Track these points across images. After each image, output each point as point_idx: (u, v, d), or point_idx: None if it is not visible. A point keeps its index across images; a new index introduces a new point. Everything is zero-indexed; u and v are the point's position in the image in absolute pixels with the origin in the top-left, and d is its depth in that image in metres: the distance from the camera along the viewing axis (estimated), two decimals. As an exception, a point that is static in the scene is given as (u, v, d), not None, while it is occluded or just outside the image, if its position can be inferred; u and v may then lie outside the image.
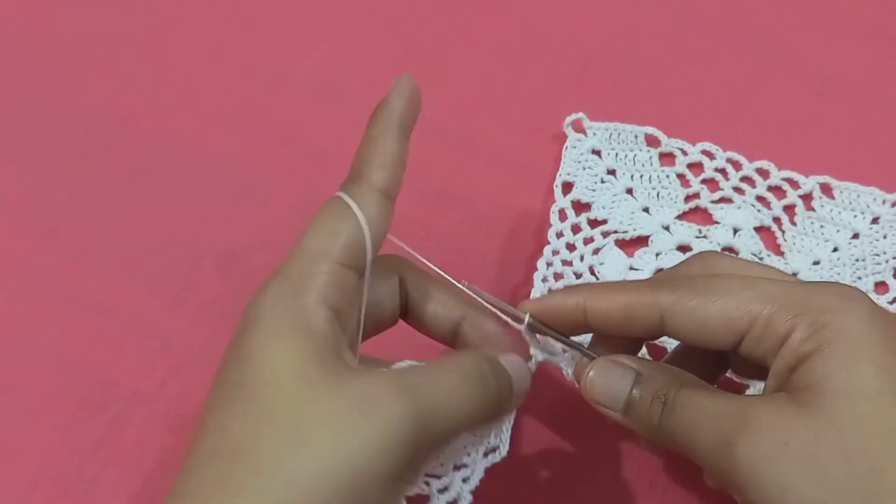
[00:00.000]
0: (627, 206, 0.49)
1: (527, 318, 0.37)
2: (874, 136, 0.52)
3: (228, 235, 0.50)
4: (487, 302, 0.38)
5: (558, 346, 0.39)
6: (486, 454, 0.38)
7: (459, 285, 0.38)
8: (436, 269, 0.39)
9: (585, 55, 0.55)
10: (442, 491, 0.37)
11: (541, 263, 0.47)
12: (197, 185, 0.52)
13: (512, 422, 0.38)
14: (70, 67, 0.55)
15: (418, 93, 0.38)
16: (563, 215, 0.49)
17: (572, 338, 0.38)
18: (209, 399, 0.34)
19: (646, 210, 0.49)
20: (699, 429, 0.34)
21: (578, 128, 0.51)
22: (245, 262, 0.49)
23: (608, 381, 0.36)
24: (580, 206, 0.50)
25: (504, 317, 0.38)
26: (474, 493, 0.37)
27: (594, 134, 0.51)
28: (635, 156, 0.51)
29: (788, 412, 0.32)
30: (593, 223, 0.49)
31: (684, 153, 0.51)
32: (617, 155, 0.51)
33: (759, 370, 0.35)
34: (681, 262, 0.39)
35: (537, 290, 0.46)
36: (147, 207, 0.51)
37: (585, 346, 0.38)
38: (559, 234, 0.48)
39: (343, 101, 0.54)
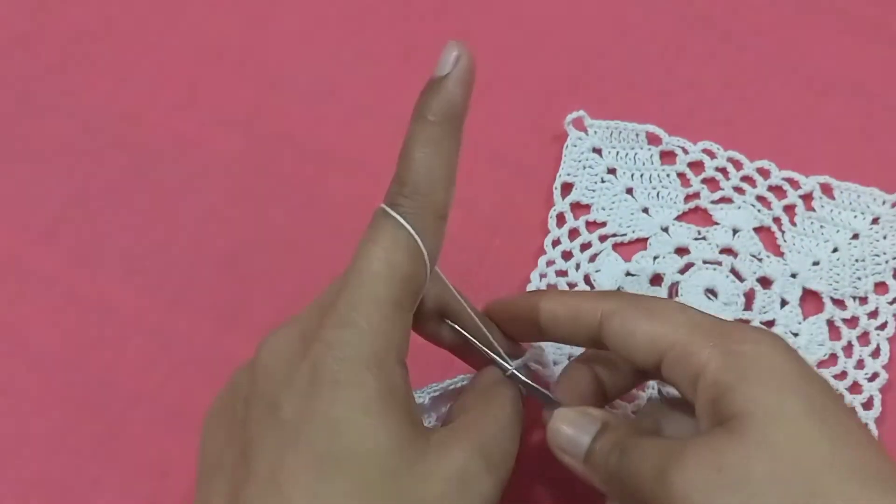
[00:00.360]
0: (627, 207, 0.49)
1: (514, 365, 0.39)
2: (874, 136, 0.52)
3: (228, 235, 0.50)
4: (481, 342, 0.39)
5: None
6: None
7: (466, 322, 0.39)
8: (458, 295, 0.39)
9: (585, 55, 0.55)
10: None
11: (534, 275, 0.47)
12: (197, 185, 0.52)
13: None
14: (70, 67, 0.55)
15: (474, 70, 0.35)
16: (561, 220, 0.49)
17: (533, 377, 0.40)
18: (279, 461, 0.30)
19: (645, 211, 0.49)
20: (642, 466, 0.33)
21: (579, 126, 0.51)
22: (245, 262, 0.49)
23: (574, 427, 0.36)
24: (579, 208, 0.50)
25: (494, 357, 0.39)
26: None
27: (595, 132, 0.51)
28: (636, 154, 0.51)
29: (719, 440, 0.32)
30: (592, 226, 0.49)
31: (685, 152, 0.51)
32: (618, 153, 0.51)
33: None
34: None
35: None
36: (147, 207, 0.51)
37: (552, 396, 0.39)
38: (555, 242, 0.49)
39: (343, 101, 0.54)
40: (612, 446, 0.35)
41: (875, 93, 0.53)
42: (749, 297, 0.47)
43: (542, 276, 0.48)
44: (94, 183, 0.52)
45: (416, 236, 0.33)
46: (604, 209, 0.49)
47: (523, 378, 0.39)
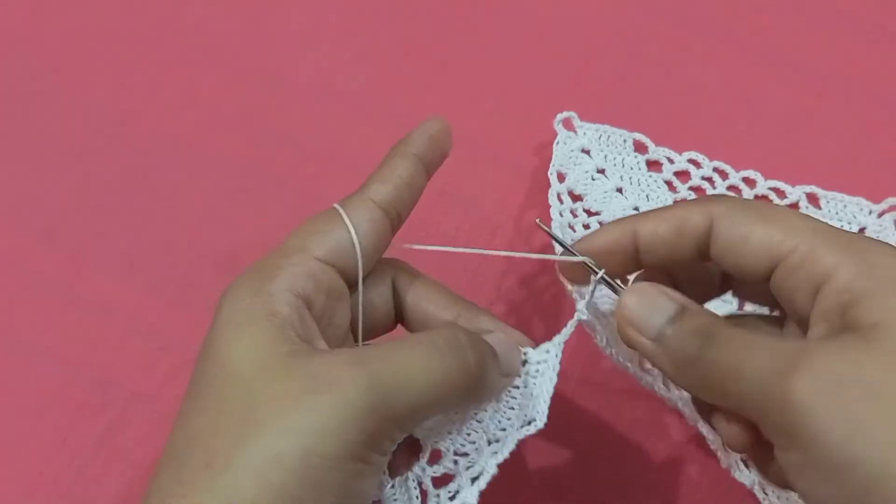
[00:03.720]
0: (619, 203, 0.50)
1: (602, 273, 0.37)
2: (874, 136, 0.52)
3: (228, 235, 0.50)
4: (553, 238, 0.39)
5: (606, 307, 0.39)
6: (521, 426, 0.36)
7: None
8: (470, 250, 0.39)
9: (585, 55, 0.55)
10: (468, 467, 0.36)
11: (554, 213, 0.48)
12: (197, 185, 0.52)
13: (551, 392, 0.37)
14: (70, 67, 0.55)
15: (446, 134, 0.39)
16: (560, 199, 0.49)
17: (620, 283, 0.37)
18: (183, 397, 0.34)
19: (636, 209, 0.49)
20: (747, 361, 0.31)
21: (569, 126, 0.51)
22: (245, 262, 0.49)
23: (648, 304, 0.34)
24: (574, 196, 0.50)
25: (566, 255, 0.37)
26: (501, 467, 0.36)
27: (584, 133, 0.51)
28: (623, 159, 0.51)
29: (855, 349, 0.30)
30: (588, 212, 0.50)
31: (671, 161, 0.51)
32: (606, 157, 0.51)
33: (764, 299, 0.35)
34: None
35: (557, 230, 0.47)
36: (147, 207, 0.51)
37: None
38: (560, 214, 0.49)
39: (343, 101, 0.54)
40: (693, 331, 0.33)
41: (875, 93, 0.53)
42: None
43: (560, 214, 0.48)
44: (94, 183, 0.52)
45: (339, 208, 0.36)
46: (596, 201, 0.50)
47: (605, 278, 0.37)
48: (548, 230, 0.39)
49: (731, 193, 0.49)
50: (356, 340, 0.38)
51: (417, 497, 0.36)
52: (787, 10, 0.56)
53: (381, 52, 0.56)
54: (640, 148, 0.51)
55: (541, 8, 0.57)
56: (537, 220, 0.39)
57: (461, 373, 0.33)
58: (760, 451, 0.34)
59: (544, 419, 0.36)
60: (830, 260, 0.32)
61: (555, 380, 0.37)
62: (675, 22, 0.56)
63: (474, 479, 0.35)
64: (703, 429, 0.43)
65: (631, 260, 0.37)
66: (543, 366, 0.37)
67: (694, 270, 0.38)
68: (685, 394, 0.42)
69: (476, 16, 0.57)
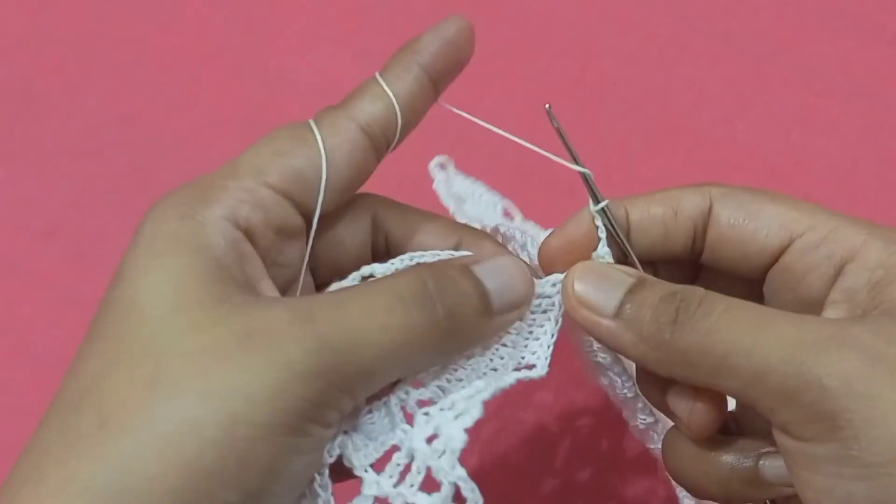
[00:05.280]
0: None
1: (604, 203, 0.32)
2: (875, 135, 0.52)
3: (228, 235, 0.50)
4: (560, 135, 0.33)
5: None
6: (517, 369, 0.31)
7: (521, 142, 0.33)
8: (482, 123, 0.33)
9: (585, 55, 0.55)
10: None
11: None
12: (197, 185, 0.52)
13: (554, 337, 0.31)
14: (71, 68, 0.55)
15: (465, 38, 0.32)
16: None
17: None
18: (85, 336, 0.28)
19: None
20: (766, 335, 0.27)
21: (443, 169, 0.44)
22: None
23: (600, 278, 0.30)
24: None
25: (569, 162, 0.33)
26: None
27: (459, 183, 0.44)
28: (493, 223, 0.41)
29: (891, 329, 0.27)
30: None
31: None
32: (476, 213, 0.44)
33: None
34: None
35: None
36: (147, 207, 0.51)
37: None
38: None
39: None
40: (663, 299, 0.29)
41: (875, 93, 0.53)
42: None
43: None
44: (94, 183, 0.52)
45: (314, 125, 0.30)
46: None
47: (609, 219, 0.32)
48: (556, 123, 0.33)
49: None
50: (312, 287, 0.32)
51: (402, 419, 0.29)
52: (787, 10, 0.56)
53: (381, 52, 0.56)
54: (508, 215, 0.45)
55: (541, 8, 0.57)
56: (547, 107, 0.33)
57: (428, 328, 0.27)
58: (714, 445, 0.31)
59: (545, 367, 0.31)
60: (856, 238, 0.30)
61: (560, 321, 0.31)
62: (675, 22, 0.56)
63: (458, 416, 0.29)
64: (641, 419, 0.35)
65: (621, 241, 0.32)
66: (547, 301, 0.31)
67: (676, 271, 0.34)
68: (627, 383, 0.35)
69: (476, 16, 0.57)
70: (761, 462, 0.30)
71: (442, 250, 0.31)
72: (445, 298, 0.28)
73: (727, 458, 0.30)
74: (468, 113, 0.33)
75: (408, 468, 0.28)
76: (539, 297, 0.31)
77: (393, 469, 0.28)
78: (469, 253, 0.31)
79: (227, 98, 0.54)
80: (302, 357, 0.25)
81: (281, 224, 0.29)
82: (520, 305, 0.30)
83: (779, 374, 0.26)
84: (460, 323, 0.28)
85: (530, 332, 0.31)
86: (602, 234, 0.32)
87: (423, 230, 0.32)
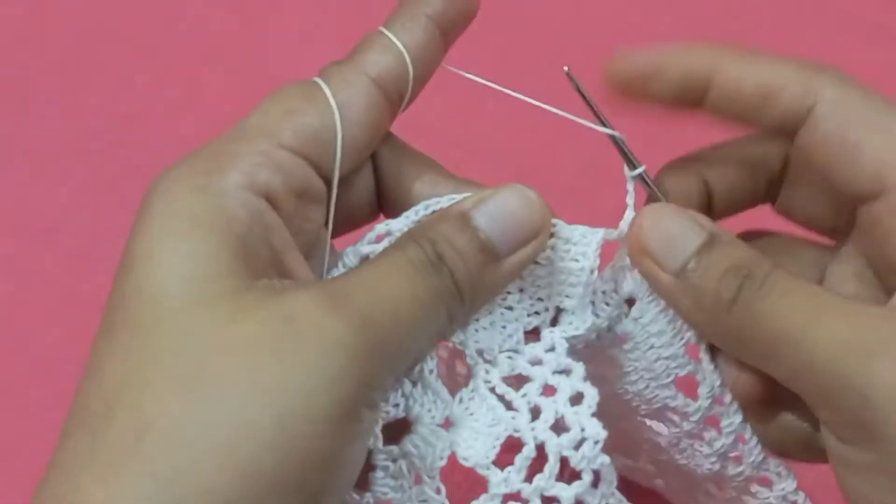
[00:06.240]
0: None
1: (642, 169, 0.30)
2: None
3: (228, 235, 0.50)
4: (585, 97, 0.31)
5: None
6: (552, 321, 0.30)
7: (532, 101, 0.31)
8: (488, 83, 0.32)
9: (585, 55, 0.55)
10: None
11: None
12: (197, 185, 0.52)
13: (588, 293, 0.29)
14: (71, 68, 0.55)
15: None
16: None
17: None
18: (97, 334, 0.25)
19: None
20: (815, 328, 0.25)
21: None
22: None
23: (668, 229, 0.27)
24: None
25: (597, 124, 0.31)
26: None
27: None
28: None
29: None
30: None
31: None
32: None
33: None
34: None
35: None
36: (147, 207, 0.51)
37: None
38: None
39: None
40: (728, 269, 0.26)
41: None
42: None
43: None
44: (94, 183, 0.52)
45: (322, 83, 0.28)
46: None
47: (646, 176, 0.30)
48: (577, 84, 0.32)
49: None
50: (327, 249, 0.29)
51: (501, 404, 0.28)
52: (787, 10, 0.56)
53: (381, 52, 0.56)
54: None
55: (541, 8, 0.57)
56: (566, 69, 0.31)
57: (446, 293, 0.26)
58: (766, 409, 0.29)
59: (588, 321, 0.30)
60: None
61: (593, 279, 0.29)
62: (675, 22, 0.56)
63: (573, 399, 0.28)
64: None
65: (690, 100, 0.29)
66: (577, 250, 0.29)
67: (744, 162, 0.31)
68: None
69: (476, 17, 0.57)
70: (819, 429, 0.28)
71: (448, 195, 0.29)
72: (444, 261, 0.26)
73: (782, 418, 0.29)
74: (475, 74, 0.33)
75: (536, 460, 0.27)
76: (568, 241, 0.29)
77: (522, 463, 0.27)
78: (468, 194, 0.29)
79: (227, 98, 0.54)
80: (351, 338, 0.23)
81: (302, 188, 0.27)
82: (530, 240, 0.28)
83: (823, 374, 0.25)
84: (468, 282, 0.26)
85: (565, 280, 0.30)
86: (630, 199, 0.30)
87: (422, 179, 0.30)
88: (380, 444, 0.27)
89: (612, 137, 0.30)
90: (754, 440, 0.31)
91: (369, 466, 0.28)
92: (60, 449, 0.24)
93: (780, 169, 0.29)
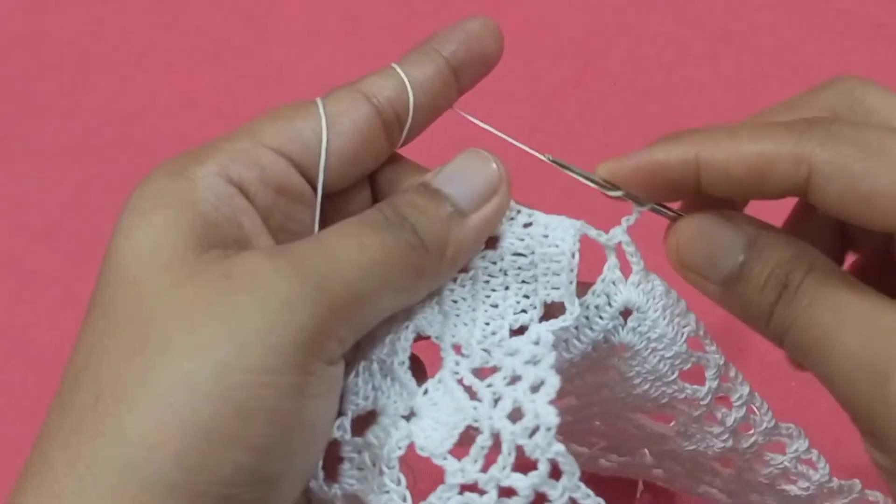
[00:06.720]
0: None
1: (648, 206, 0.29)
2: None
3: (228, 235, 0.50)
4: (575, 173, 0.31)
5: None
6: (541, 315, 0.30)
7: (542, 157, 0.31)
8: (506, 137, 0.32)
9: (585, 55, 0.55)
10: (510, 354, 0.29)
11: None
12: (197, 185, 0.52)
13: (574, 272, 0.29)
14: (70, 68, 0.55)
15: (488, 33, 0.30)
16: None
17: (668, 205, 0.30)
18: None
19: None
20: (842, 337, 0.25)
21: None
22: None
23: (710, 241, 0.27)
24: None
25: (596, 187, 0.30)
26: None
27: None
28: None
29: None
30: None
31: None
32: None
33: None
34: (812, 92, 0.30)
35: None
36: (147, 207, 0.51)
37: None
38: None
39: (343, 101, 0.54)
40: (768, 277, 0.26)
41: (875, 93, 0.53)
42: None
43: None
44: (94, 183, 0.52)
45: (319, 101, 0.29)
46: None
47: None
48: (567, 166, 0.31)
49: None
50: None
51: (465, 394, 0.28)
52: (787, 10, 0.56)
53: (381, 52, 0.56)
54: None
55: (541, 9, 0.57)
56: (549, 157, 0.32)
57: (402, 246, 0.26)
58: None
59: (576, 310, 0.29)
60: None
61: (575, 264, 0.29)
62: (676, 22, 0.56)
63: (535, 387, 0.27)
64: None
65: (688, 190, 0.28)
66: (555, 234, 0.30)
67: None
68: None
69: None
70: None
71: None
72: (406, 218, 0.27)
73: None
74: (486, 123, 0.33)
75: (492, 450, 0.26)
76: (546, 227, 0.30)
77: (477, 452, 0.26)
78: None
79: (227, 98, 0.54)
80: (284, 284, 0.24)
81: (280, 184, 0.28)
82: (493, 194, 0.29)
83: (843, 386, 0.25)
84: (430, 234, 0.27)
85: (550, 270, 0.30)
86: (626, 221, 0.30)
87: (407, 181, 0.30)
88: (347, 436, 0.27)
89: (622, 197, 0.30)
90: (765, 406, 0.31)
91: (338, 458, 0.28)
92: (44, 422, 0.26)
93: (799, 181, 0.27)
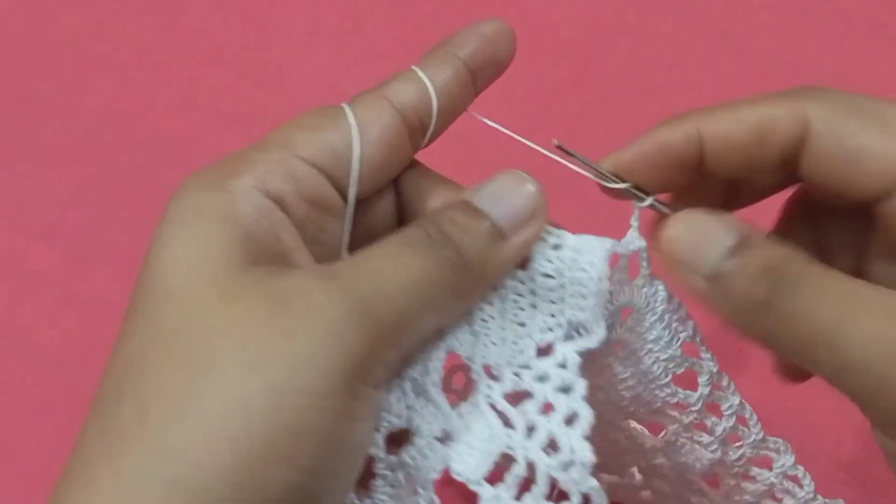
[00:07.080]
0: None
1: (651, 199, 0.30)
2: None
3: (228, 235, 0.50)
4: (579, 159, 0.31)
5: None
6: (568, 335, 0.29)
7: (542, 150, 0.32)
8: (511, 134, 0.33)
9: (585, 55, 0.55)
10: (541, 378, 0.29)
11: None
12: (197, 185, 0.52)
13: (602, 298, 0.29)
14: (70, 68, 0.55)
15: (503, 36, 0.31)
16: None
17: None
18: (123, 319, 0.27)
19: None
20: (848, 327, 0.25)
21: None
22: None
23: (698, 235, 0.27)
24: None
25: (601, 180, 0.31)
26: None
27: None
28: None
29: None
30: None
31: None
32: None
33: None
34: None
35: None
36: (147, 207, 0.51)
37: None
38: None
39: (343, 101, 0.54)
40: (760, 269, 0.26)
41: (875, 93, 0.53)
42: None
43: None
44: (94, 183, 0.52)
45: (347, 108, 0.29)
46: None
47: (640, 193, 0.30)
48: (572, 152, 0.32)
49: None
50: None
51: (498, 421, 0.28)
52: (787, 10, 0.56)
53: (381, 52, 0.56)
54: None
55: (541, 9, 0.57)
56: (555, 142, 0.32)
57: (442, 265, 0.26)
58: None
59: (601, 333, 0.29)
60: None
61: (604, 288, 0.29)
62: (676, 22, 0.56)
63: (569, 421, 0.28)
64: None
65: (690, 170, 0.29)
66: (584, 259, 0.29)
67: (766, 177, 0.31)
68: None
69: (476, 17, 0.57)
70: None
71: None
72: (449, 237, 0.27)
73: None
74: (497, 123, 0.33)
75: (526, 479, 0.27)
76: (574, 249, 0.29)
77: (512, 481, 0.27)
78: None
79: (227, 98, 0.54)
80: (333, 308, 0.24)
81: (315, 196, 0.28)
82: (532, 218, 0.29)
83: (859, 374, 0.25)
84: (473, 254, 0.27)
85: (577, 293, 0.29)
86: (635, 221, 0.30)
87: (440, 197, 0.30)
88: (381, 452, 0.28)
89: (624, 191, 0.30)
90: (754, 418, 0.31)
91: (371, 473, 0.28)
92: (80, 433, 0.26)
93: (796, 140, 0.28)
